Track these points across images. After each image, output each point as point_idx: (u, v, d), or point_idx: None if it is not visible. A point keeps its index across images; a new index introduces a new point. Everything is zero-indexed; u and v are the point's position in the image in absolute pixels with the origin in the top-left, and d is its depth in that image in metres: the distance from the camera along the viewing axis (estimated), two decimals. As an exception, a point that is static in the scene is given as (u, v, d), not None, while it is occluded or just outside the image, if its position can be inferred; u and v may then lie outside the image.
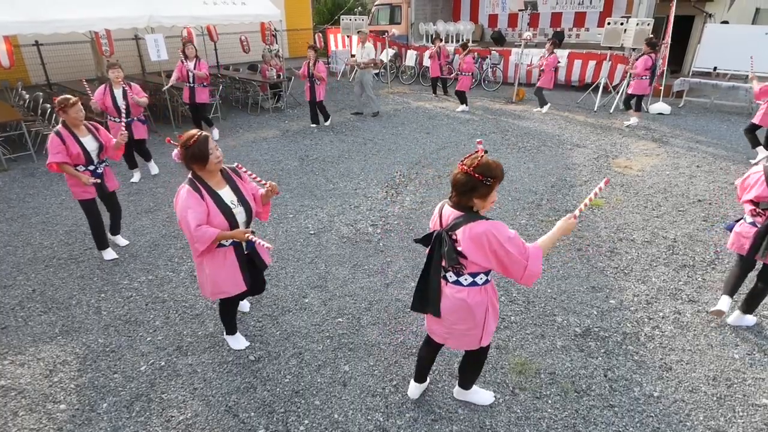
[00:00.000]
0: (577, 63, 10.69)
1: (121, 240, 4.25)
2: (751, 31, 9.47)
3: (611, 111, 8.88)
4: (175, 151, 2.37)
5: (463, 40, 13.22)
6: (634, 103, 7.91)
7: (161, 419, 2.46)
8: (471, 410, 2.49)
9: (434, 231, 2.06)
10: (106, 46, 7.63)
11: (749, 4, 13.99)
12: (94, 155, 3.68)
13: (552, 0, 13.12)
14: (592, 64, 10.43)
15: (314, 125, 8.27)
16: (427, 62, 10.66)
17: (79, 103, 3.57)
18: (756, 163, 6.27)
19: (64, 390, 2.65)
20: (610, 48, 9.22)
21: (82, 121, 3.62)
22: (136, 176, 5.75)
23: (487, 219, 1.92)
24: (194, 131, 2.34)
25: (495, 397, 2.56)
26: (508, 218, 4.70)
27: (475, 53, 12.15)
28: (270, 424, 2.42)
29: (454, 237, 1.95)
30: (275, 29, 9.85)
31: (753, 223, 2.89)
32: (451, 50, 11.42)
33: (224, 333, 2.99)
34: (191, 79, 6.86)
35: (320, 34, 14.37)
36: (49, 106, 7.03)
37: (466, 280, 2.04)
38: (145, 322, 3.23)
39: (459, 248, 1.94)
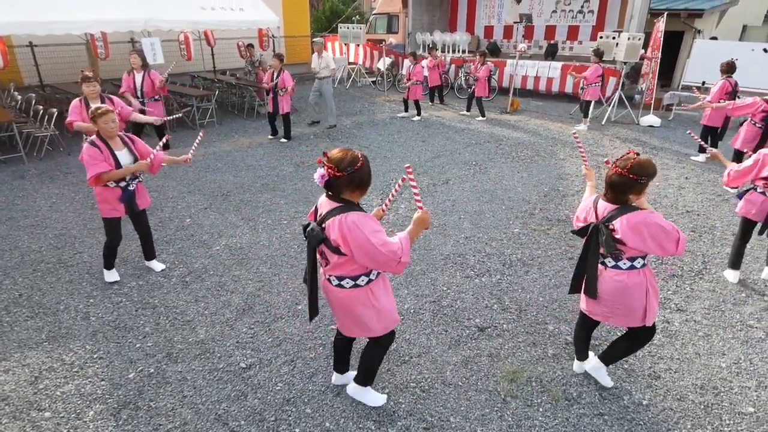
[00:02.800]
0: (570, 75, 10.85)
1: (156, 265, 3.86)
2: (738, 47, 9.71)
3: (603, 123, 9.02)
4: (323, 172, 1.94)
5: (458, 50, 13.38)
6: (584, 108, 8.61)
7: (149, 428, 2.42)
8: (463, 418, 2.49)
9: (590, 223, 2.32)
10: (102, 49, 7.63)
11: (737, 21, 14.31)
12: None
13: (546, 13, 13.35)
14: (584, 76, 10.58)
15: (272, 137, 7.82)
16: (425, 72, 10.74)
17: (111, 113, 3.21)
18: (696, 160, 6.75)
19: (49, 397, 2.61)
20: (602, 61, 9.38)
21: (117, 132, 3.31)
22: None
23: (640, 209, 2.17)
24: (350, 151, 1.97)
25: (485, 405, 2.56)
26: (501, 227, 4.73)
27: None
28: (260, 433, 2.39)
29: (611, 227, 2.20)
30: (272, 35, 9.90)
31: (763, 193, 3.38)
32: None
33: (363, 384, 2.53)
34: (140, 94, 6.22)
35: (317, 42, 14.45)
36: (41, 107, 6.98)
37: (624, 264, 2.28)
38: (135, 328, 3.19)
39: (617, 236, 2.18)
